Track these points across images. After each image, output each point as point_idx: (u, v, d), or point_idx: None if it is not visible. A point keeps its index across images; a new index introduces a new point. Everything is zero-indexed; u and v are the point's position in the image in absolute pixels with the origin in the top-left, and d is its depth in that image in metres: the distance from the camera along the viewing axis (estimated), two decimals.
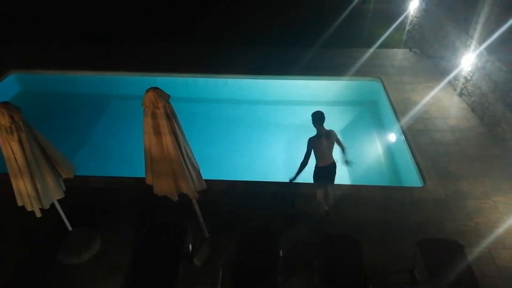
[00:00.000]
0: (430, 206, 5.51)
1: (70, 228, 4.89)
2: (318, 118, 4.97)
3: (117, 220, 5.38)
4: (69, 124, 8.18)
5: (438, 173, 6.04)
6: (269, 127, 8.27)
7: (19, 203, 4.05)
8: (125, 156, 7.16)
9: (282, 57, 9.48)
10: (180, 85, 8.37)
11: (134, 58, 9.54)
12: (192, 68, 8.83)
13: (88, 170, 6.34)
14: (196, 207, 4.62)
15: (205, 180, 4.41)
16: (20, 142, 3.63)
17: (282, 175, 6.96)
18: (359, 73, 8.72)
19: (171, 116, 3.84)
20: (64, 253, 4.85)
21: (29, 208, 4.06)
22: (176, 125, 3.90)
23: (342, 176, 7.05)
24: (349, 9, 11.93)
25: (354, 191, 5.80)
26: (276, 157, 7.59)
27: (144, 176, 5.85)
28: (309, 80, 8.75)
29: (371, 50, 9.71)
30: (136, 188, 5.79)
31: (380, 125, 8.22)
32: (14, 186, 3.91)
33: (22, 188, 3.88)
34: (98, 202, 5.66)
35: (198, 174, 4.32)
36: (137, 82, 8.47)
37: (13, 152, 3.67)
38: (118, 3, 12.68)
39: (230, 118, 8.34)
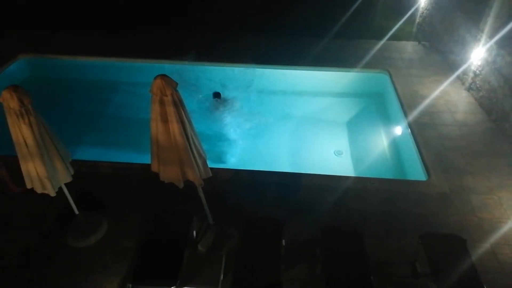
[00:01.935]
0: (434, 200, 5.52)
1: (77, 212, 4.97)
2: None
3: (124, 205, 5.46)
4: (77, 109, 8.24)
5: (443, 167, 6.03)
6: (274, 117, 8.27)
7: (28, 186, 4.12)
8: (133, 143, 7.23)
9: (290, 48, 9.42)
10: (186, 72, 8.37)
11: (143, 45, 9.53)
12: (197, 56, 8.82)
13: (96, 155, 6.43)
14: (202, 194, 4.68)
15: (210, 168, 4.46)
16: (30, 125, 3.68)
17: (286, 165, 7.01)
18: (368, 65, 8.66)
19: (178, 104, 3.86)
20: (71, 236, 4.95)
21: (39, 190, 4.13)
22: (183, 112, 3.93)
23: (347, 168, 7.10)
24: (359, 0, 11.78)
25: (358, 184, 5.81)
26: (280, 147, 7.62)
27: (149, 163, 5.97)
28: (316, 71, 8.71)
29: (380, 42, 9.61)
30: (143, 174, 5.82)
31: (387, 118, 8.19)
32: (23, 169, 3.98)
33: (32, 171, 3.95)
34: (105, 187, 5.74)
35: (204, 162, 4.36)
36: (145, 69, 8.48)
37: (22, 135, 3.73)
38: None
39: (236, 108, 8.34)
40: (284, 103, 8.60)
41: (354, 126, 8.15)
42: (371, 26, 10.63)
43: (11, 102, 3.52)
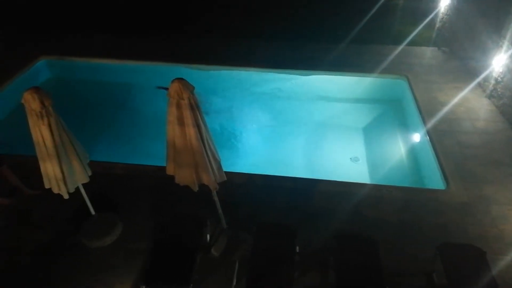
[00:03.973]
0: (453, 209, 5.38)
1: (93, 212, 5.04)
2: None
3: (138, 206, 5.50)
4: (95, 111, 8.37)
5: (462, 176, 5.88)
6: (289, 122, 8.24)
7: (46, 186, 4.20)
8: (148, 145, 7.30)
9: (306, 52, 9.37)
10: (199, 76, 8.46)
11: (162, 49, 9.62)
12: (214, 60, 8.87)
13: (111, 157, 6.51)
14: (216, 198, 4.67)
15: (225, 172, 4.45)
16: (50, 126, 3.75)
17: (301, 170, 6.96)
18: (385, 71, 8.54)
19: (195, 108, 3.88)
20: (86, 236, 5.01)
21: (55, 191, 4.20)
22: (199, 116, 3.94)
23: (363, 175, 7.00)
24: (377, 4, 11.65)
25: (374, 191, 5.72)
26: (295, 152, 7.57)
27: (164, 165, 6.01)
28: (333, 76, 8.64)
29: (398, 47, 9.47)
30: (158, 176, 5.88)
31: (404, 125, 8.06)
32: (42, 169, 4.05)
33: (50, 171, 4.02)
34: (120, 188, 5.79)
35: (219, 166, 4.35)
36: (162, 72, 8.57)
37: (42, 136, 3.80)
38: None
39: (250, 111, 8.35)
40: (300, 108, 8.56)
41: (371, 132, 8.04)
42: (389, 31, 10.49)
43: (33, 103, 3.59)
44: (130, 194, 5.71)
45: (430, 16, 10.37)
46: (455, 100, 7.64)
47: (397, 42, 9.68)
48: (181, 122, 3.90)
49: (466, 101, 7.63)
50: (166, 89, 8.49)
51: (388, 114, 8.41)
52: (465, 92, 7.87)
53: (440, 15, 10.02)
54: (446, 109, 7.39)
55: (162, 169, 6.04)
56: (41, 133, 3.77)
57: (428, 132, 6.80)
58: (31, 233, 5.13)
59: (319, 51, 9.34)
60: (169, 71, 8.50)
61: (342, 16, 11.04)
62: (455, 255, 4.18)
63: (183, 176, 4.27)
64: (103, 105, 8.63)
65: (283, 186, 5.82)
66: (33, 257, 4.86)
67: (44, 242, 5.02)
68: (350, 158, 7.49)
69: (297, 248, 4.40)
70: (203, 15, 11.81)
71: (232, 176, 5.15)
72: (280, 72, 8.62)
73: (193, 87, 3.87)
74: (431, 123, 6.99)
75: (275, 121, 7.95)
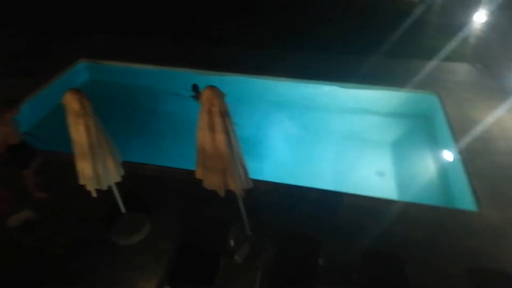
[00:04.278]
0: (484, 232, 5.19)
1: (123, 211, 5.21)
2: None
3: (167, 208, 5.65)
4: (129, 113, 8.66)
5: (496, 198, 5.68)
6: (316, 133, 8.23)
7: (81, 182, 4.40)
8: (179, 149, 7.49)
9: (336, 65, 9.34)
10: (231, 84, 8.60)
11: (197, 55, 9.80)
12: (243, 70, 9.01)
13: (143, 158, 6.71)
14: (241, 204, 4.73)
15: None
16: (87, 126, 3.95)
17: (326, 182, 6.91)
18: (417, 86, 8.40)
19: (225, 115, 3.99)
20: (115, 233, 5.18)
21: (88, 188, 4.39)
22: (229, 124, 4.04)
23: (388, 191, 6.88)
24: (410, 18, 11.51)
25: (402, 208, 5.61)
26: (320, 163, 7.54)
27: (193, 169, 6.13)
28: (363, 89, 8.59)
29: (431, 63, 9.29)
30: (186, 180, 6.00)
31: (435, 142, 7.87)
32: (77, 166, 4.26)
33: (85, 169, 4.22)
34: (150, 189, 5.96)
35: (246, 173, 4.42)
36: (196, 79, 8.80)
37: (79, 135, 4.00)
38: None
39: (280, 121, 8.41)
40: (328, 119, 8.55)
41: (399, 147, 7.90)
42: (421, 46, 10.32)
43: (73, 103, 3.80)
44: (159, 195, 5.87)
45: (464, 32, 10.14)
46: (489, 118, 7.41)
47: (430, 57, 9.51)
48: (211, 128, 4.01)
49: (502, 121, 7.38)
50: (196, 97, 8.98)
51: (418, 130, 8.25)
52: (500, 111, 7.61)
53: (475, 31, 9.78)
54: (479, 127, 7.17)
55: (191, 172, 6.21)
56: (78, 132, 3.97)
57: (460, 151, 6.61)
58: (65, 227, 5.36)
59: (350, 64, 9.29)
60: (199, 79, 8.72)
61: (374, 29, 10.96)
62: (486, 280, 4.04)
63: (211, 181, 4.37)
64: (136, 108, 8.91)
65: (307, 196, 5.81)
66: (66, 249, 5.08)
67: (77, 237, 5.23)
68: (376, 173, 7.39)
69: (321, 260, 4.37)
70: (235, 26, 11.93)
71: (258, 183, 5.20)
72: (309, 83, 8.65)
73: (225, 95, 3.98)
74: (463, 141, 6.80)
75: (301, 131, 7.97)
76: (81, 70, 9.66)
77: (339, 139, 8.14)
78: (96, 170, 4.18)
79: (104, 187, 4.45)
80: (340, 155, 7.76)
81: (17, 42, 10.72)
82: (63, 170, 6.28)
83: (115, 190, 4.90)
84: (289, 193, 5.86)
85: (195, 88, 8.76)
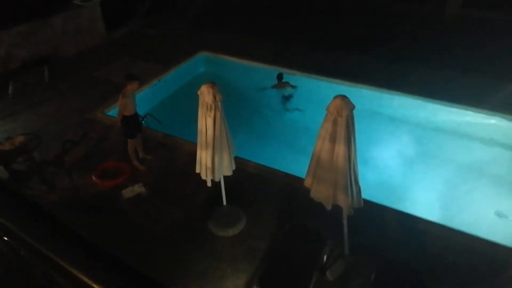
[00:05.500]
0: None
1: (224, 203, 5.37)
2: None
3: (263, 208, 5.67)
4: (238, 108, 8.92)
5: None
6: (428, 156, 7.54)
7: (197, 170, 4.63)
8: (282, 150, 7.52)
9: (468, 87, 8.34)
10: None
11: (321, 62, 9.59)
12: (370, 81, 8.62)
13: (245, 154, 6.86)
14: (345, 222, 4.50)
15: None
16: (214, 119, 4.11)
17: (435, 213, 6.26)
18: None
19: (350, 127, 3.81)
20: (213, 223, 5.36)
21: (203, 177, 4.60)
22: (352, 137, 3.85)
23: (510, 236, 5.95)
24: None
25: None
26: (430, 191, 6.85)
27: (295, 174, 6.07)
28: (492, 116, 7.63)
29: None
30: (285, 182, 6.00)
31: None
32: (197, 156, 4.49)
33: (203, 159, 4.42)
34: (249, 186, 6.05)
35: (358, 191, 4.19)
36: (318, 86, 8.76)
37: (206, 126, 4.20)
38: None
39: (392, 139, 7.88)
40: (445, 143, 7.76)
41: None
42: None
43: (206, 96, 3.99)
44: (257, 194, 5.93)
45: None
46: None
47: None
48: (332, 138, 3.87)
49: None
50: (276, 86, 9.19)
51: None
52: None
53: None
54: None
55: (290, 177, 6.17)
56: (206, 123, 4.17)
57: None
58: (169, 209, 5.72)
59: (485, 87, 8.22)
60: (328, 87, 8.48)
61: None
62: None
63: (320, 192, 4.23)
64: (246, 105, 9.08)
65: (414, 226, 5.31)
66: (167, 231, 5.39)
67: (179, 220, 5.54)
68: (496, 213, 6.47)
69: None
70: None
71: (366, 203, 4.91)
72: (429, 101, 7.95)
73: (354, 106, 3.80)
74: None
75: (415, 152, 7.36)
76: (200, 61, 10.26)
77: (454, 167, 7.30)
78: (214, 161, 4.35)
79: (217, 179, 4.62)
80: (453, 185, 6.95)
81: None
82: (173, 153, 6.77)
83: (222, 182, 5.06)
84: (395, 220, 5.41)
85: (279, 77, 8.72)
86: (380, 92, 8.40)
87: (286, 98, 8.90)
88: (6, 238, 1.42)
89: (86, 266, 1.24)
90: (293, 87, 8.90)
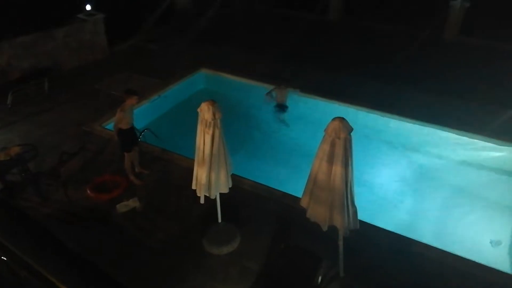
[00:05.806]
0: None
1: (220, 220, 5.33)
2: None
3: (258, 227, 5.63)
4: (235, 126, 8.96)
5: None
6: (424, 181, 7.55)
7: (193, 187, 4.61)
8: (279, 169, 7.51)
9: (460, 110, 8.46)
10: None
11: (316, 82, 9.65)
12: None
13: (242, 172, 6.84)
14: (341, 243, 4.47)
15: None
16: (213, 136, 4.13)
17: (429, 237, 6.23)
18: None
19: (348, 149, 3.83)
20: (208, 240, 5.30)
21: (198, 194, 4.58)
22: (350, 159, 3.87)
23: (504, 264, 5.92)
24: None
25: None
26: (425, 216, 6.85)
27: (291, 193, 6.05)
28: (486, 142, 7.70)
29: None
30: (281, 202, 5.97)
31: None
32: (194, 172, 4.48)
33: (200, 175, 4.41)
34: (245, 204, 6.02)
35: (355, 213, 4.18)
36: (317, 107, 8.82)
37: (204, 143, 4.20)
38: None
39: (393, 164, 7.93)
40: (441, 168, 7.80)
41: None
42: None
43: (206, 113, 4.02)
44: (252, 212, 5.89)
45: None
46: None
47: None
48: (330, 159, 3.88)
49: None
50: (267, 94, 9.16)
51: None
52: None
53: None
54: None
55: (287, 195, 6.14)
56: (204, 140, 4.18)
57: None
58: (164, 222, 5.68)
59: (478, 113, 8.31)
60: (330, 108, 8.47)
61: None
62: None
63: (316, 212, 4.21)
64: (242, 121, 9.10)
65: (410, 250, 5.28)
66: (160, 244, 5.34)
67: (173, 235, 5.49)
68: (490, 241, 6.44)
69: None
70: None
71: (362, 225, 4.88)
72: (425, 126, 8.03)
73: (352, 129, 3.83)
74: None
75: (410, 176, 7.38)
76: (200, 78, 10.30)
77: (450, 192, 7.32)
78: (210, 178, 4.34)
79: (213, 196, 4.60)
80: (448, 211, 6.96)
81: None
82: (170, 168, 6.75)
83: (218, 199, 5.04)
84: (391, 244, 5.37)
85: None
86: (376, 114, 8.48)
87: (281, 108, 8.81)
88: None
89: (73, 280, 1.23)
90: (294, 89, 8.90)
